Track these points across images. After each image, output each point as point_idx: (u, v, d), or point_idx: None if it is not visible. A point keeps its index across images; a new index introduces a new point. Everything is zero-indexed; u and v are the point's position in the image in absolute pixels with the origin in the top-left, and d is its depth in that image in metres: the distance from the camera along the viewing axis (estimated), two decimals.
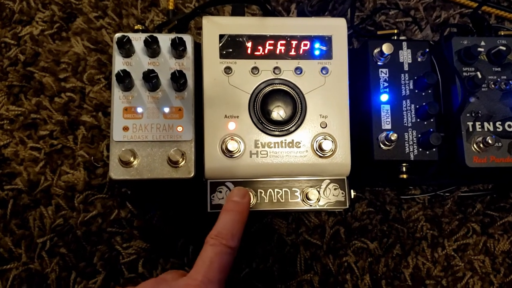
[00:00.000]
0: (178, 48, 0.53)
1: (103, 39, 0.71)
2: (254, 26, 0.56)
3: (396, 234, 0.66)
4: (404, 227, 0.67)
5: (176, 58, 0.55)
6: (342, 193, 0.55)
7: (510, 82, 0.57)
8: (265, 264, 0.64)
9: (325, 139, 0.54)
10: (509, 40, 0.59)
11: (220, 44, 0.55)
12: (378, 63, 0.57)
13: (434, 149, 0.55)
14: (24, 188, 0.65)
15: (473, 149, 0.55)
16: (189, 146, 0.53)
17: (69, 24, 0.73)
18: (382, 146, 0.55)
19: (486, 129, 0.56)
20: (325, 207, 0.55)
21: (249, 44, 0.55)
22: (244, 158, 0.54)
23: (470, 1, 0.78)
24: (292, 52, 0.56)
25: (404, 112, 0.56)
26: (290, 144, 0.55)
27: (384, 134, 0.55)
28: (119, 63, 0.54)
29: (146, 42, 0.52)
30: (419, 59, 0.58)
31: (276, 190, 0.55)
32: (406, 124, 0.56)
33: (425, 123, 0.56)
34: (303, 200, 0.54)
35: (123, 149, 0.52)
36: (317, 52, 0.56)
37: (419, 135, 0.56)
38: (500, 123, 0.56)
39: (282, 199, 0.54)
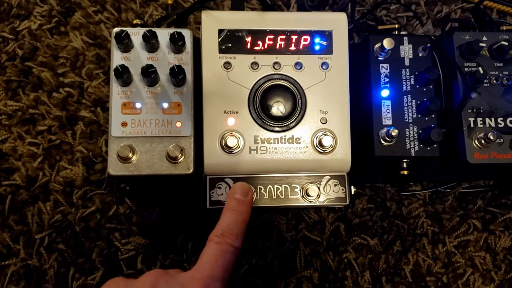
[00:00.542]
0: (177, 43, 0.53)
1: (101, 33, 0.71)
2: (254, 21, 0.55)
3: (396, 231, 0.66)
4: (404, 224, 0.66)
5: (175, 53, 0.54)
6: (342, 189, 0.55)
7: None
8: (264, 261, 0.63)
9: (325, 135, 0.54)
10: (511, 35, 0.58)
11: (220, 39, 0.55)
12: (379, 58, 0.57)
13: (435, 145, 0.55)
14: (22, 184, 0.64)
15: (475, 145, 0.55)
16: (188, 141, 0.53)
17: (67, 18, 0.73)
18: (382, 142, 0.55)
19: (487, 125, 0.56)
20: (325, 204, 0.54)
21: (248, 39, 0.55)
22: (243, 154, 0.53)
23: None
24: (292, 47, 0.55)
25: (405, 107, 0.56)
26: (290, 140, 0.54)
27: (385, 130, 0.54)
28: (117, 58, 0.54)
29: (144, 36, 0.52)
30: (420, 54, 0.57)
31: (275, 186, 0.54)
32: (407, 120, 0.56)
33: (426, 119, 0.56)
34: (303, 196, 0.54)
35: (121, 144, 0.51)
36: (317, 47, 0.56)
37: (420, 131, 0.55)
38: (501, 119, 0.56)
39: (282, 195, 0.54)
